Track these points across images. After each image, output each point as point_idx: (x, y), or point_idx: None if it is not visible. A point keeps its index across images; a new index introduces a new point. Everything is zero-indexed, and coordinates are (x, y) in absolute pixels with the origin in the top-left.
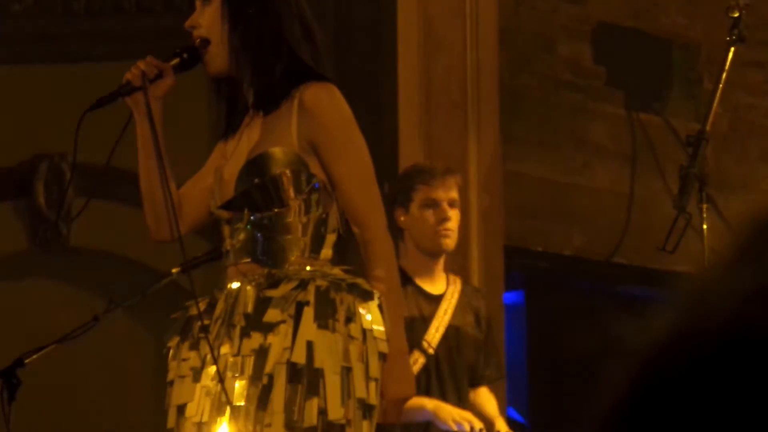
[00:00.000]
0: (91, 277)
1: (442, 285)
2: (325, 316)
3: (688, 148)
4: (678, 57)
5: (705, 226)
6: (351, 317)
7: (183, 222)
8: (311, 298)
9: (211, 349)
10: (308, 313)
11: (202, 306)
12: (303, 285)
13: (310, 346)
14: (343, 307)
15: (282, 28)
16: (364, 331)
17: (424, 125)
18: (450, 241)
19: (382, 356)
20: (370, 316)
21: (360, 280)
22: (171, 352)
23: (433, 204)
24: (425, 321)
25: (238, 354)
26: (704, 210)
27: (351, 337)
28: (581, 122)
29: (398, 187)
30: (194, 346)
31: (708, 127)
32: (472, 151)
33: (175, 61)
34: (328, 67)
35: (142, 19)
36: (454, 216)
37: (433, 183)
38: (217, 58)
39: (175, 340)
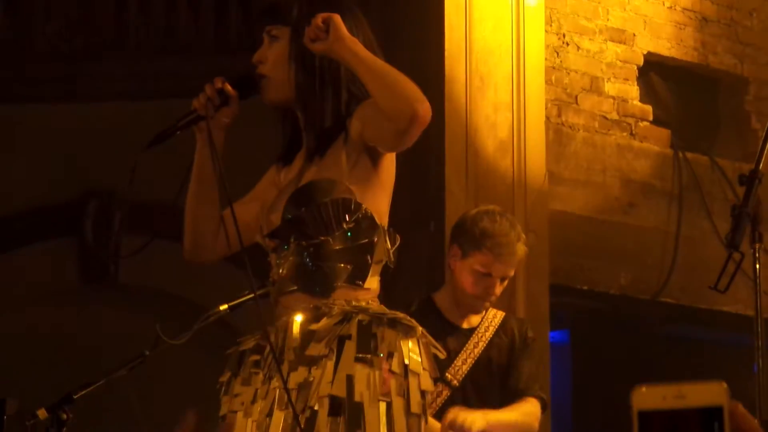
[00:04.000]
0: (139, 313)
1: (476, 319)
2: (366, 350)
3: (739, 187)
4: (725, 95)
5: (758, 266)
6: (392, 352)
7: (221, 243)
8: (353, 332)
9: (284, 381)
10: (350, 347)
11: (253, 342)
12: (346, 319)
13: (350, 379)
14: (385, 342)
15: (343, 72)
16: (405, 366)
17: (471, 163)
18: (487, 304)
19: (423, 393)
20: (411, 351)
21: (401, 315)
22: (223, 387)
23: (487, 275)
24: (452, 354)
25: (285, 387)
26: (757, 250)
27: (392, 372)
28: (627, 161)
29: (466, 230)
30: (246, 382)
31: (761, 166)
32: (518, 188)
33: (235, 90)
34: None
35: (193, 59)
36: (500, 290)
37: (499, 258)
38: (277, 90)
39: (227, 375)
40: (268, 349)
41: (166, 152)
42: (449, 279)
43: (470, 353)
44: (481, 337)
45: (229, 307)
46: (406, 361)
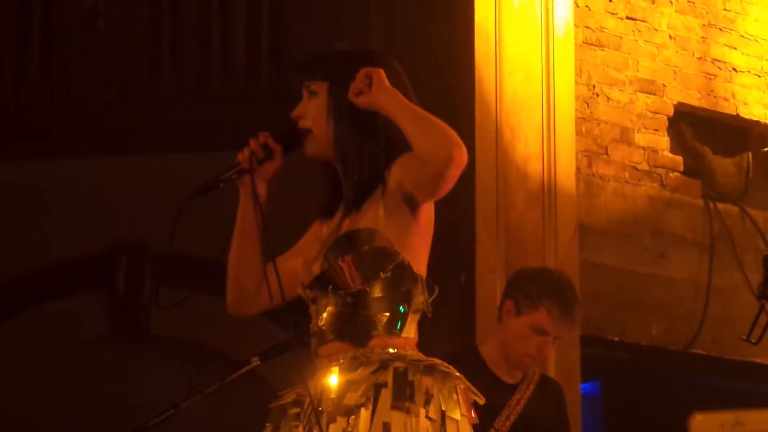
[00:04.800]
0: (171, 366)
1: (519, 374)
2: (402, 398)
3: None
4: (755, 145)
5: None
6: (429, 399)
7: (263, 297)
8: (389, 379)
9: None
10: (386, 394)
11: (293, 395)
12: (382, 367)
13: (387, 427)
14: (421, 389)
15: (382, 122)
16: (442, 413)
17: (501, 214)
18: (533, 366)
19: None
20: (448, 397)
21: (438, 362)
22: None
23: (542, 333)
24: (496, 409)
25: None
26: None
27: (429, 419)
28: (658, 212)
29: (524, 287)
30: None
31: None
32: (548, 240)
33: (279, 145)
34: None
35: (225, 110)
36: (552, 350)
37: (557, 318)
38: (317, 144)
39: (269, 429)
40: (308, 401)
41: (201, 205)
42: (498, 333)
43: (513, 409)
44: (524, 393)
45: (260, 359)
46: (443, 408)
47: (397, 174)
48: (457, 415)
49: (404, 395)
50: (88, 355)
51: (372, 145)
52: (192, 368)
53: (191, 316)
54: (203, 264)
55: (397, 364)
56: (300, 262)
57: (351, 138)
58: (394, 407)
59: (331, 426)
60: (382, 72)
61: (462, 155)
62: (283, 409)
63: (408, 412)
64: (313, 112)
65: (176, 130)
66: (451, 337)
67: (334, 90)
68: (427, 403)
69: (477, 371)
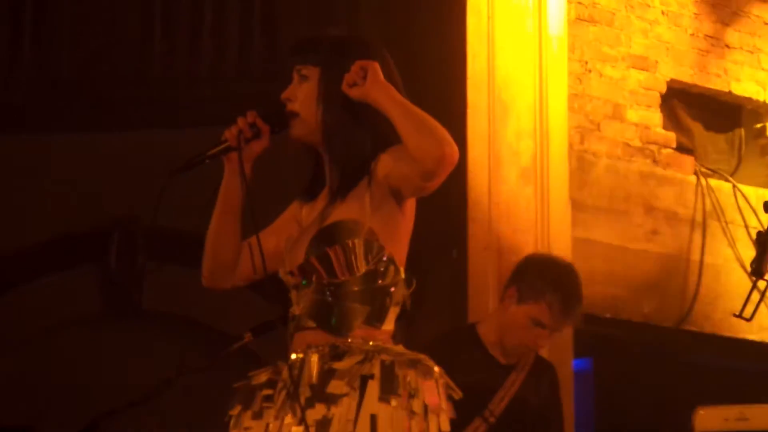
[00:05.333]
0: (163, 341)
1: (514, 357)
2: (389, 391)
3: (764, 214)
4: (748, 122)
5: None
6: (413, 393)
7: (244, 270)
8: (376, 371)
9: (302, 410)
10: (373, 386)
11: (265, 376)
12: (368, 358)
13: (373, 419)
14: (406, 383)
15: (372, 113)
16: (425, 407)
17: (493, 191)
18: (527, 353)
19: None
20: (429, 392)
21: (422, 357)
22: (232, 420)
23: (541, 326)
24: (491, 390)
25: (300, 424)
26: None
27: (413, 413)
28: (650, 188)
29: (530, 277)
30: (257, 416)
31: None
32: (541, 216)
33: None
34: None
35: (217, 86)
36: (548, 342)
37: (557, 314)
38: (304, 128)
39: (237, 408)
40: (281, 384)
41: (192, 180)
42: (497, 316)
43: (508, 391)
44: (518, 375)
45: (252, 334)
46: (426, 402)
47: (385, 167)
48: (438, 410)
49: (391, 388)
50: (81, 330)
51: (360, 134)
52: (184, 343)
53: (183, 291)
54: (194, 238)
55: (383, 357)
56: (274, 241)
57: (340, 125)
58: (381, 399)
59: (308, 411)
60: (377, 65)
61: (453, 154)
62: (253, 389)
63: (394, 405)
64: (302, 95)
65: (170, 106)
66: (442, 313)
67: (325, 76)
68: (411, 397)
69: (474, 350)
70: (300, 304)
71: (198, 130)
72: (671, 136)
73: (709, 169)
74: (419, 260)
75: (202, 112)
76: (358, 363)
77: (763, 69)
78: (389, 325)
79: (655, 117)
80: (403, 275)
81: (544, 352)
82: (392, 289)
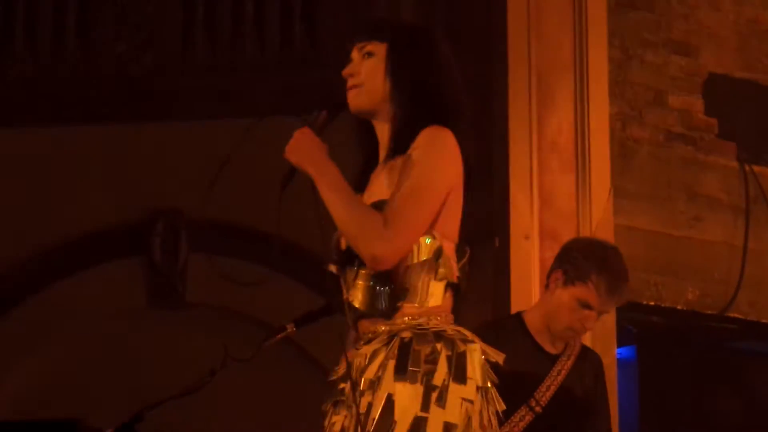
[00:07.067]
0: (207, 332)
1: (561, 344)
2: (404, 369)
3: None
4: None
5: None
6: (432, 368)
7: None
8: (395, 350)
9: (357, 405)
10: (391, 366)
11: (342, 369)
12: (391, 338)
13: (390, 399)
14: (423, 358)
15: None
16: (447, 379)
17: (536, 180)
18: (575, 338)
19: (465, 401)
20: (454, 364)
21: (448, 327)
22: (326, 415)
23: (587, 308)
24: (537, 379)
25: (357, 412)
26: None
27: (433, 386)
28: (693, 174)
29: (576, 259)
30: (336, 409)
31: None
32: (583, 204)
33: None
34: (469, 130)
35: (259, 76)
36: (595, 324)
37: (604, 295)
38: (369, 99)
39: (329, 404)
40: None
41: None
42: (543, 302)
43: (554, 380)
44: (565, 364)
45: (295, 326)
46: (448, 374)
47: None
48: (462, 381)
49: (406, 365)
50: (126, 322)
51: (419, 111)
52: (227, 334)
53: (226, 283)
54: (238, 231)
55: (404, 334)
56: None
57: (404, 100)
58: (397, 379)
59: (362, 400)
60: (324, 149)
61: (385, 255)
62: (335, 383)
63: (412, 381)
64: (367, 69)
65: (211, 97)
66: (485, 302)
67: (394, 50)
68: (429, 372)
69: (520, 339)
70: (348, 293)
71: (242, 122)
72: (713, 122)
73: (752, 154)
74: (461, 249)
75: (244, 102)
76: (386, 345)
77: None
78: (437, 300)
79: (697, 103)
80: (443, 246)
81: (587, 341)
82: (435, 263)
